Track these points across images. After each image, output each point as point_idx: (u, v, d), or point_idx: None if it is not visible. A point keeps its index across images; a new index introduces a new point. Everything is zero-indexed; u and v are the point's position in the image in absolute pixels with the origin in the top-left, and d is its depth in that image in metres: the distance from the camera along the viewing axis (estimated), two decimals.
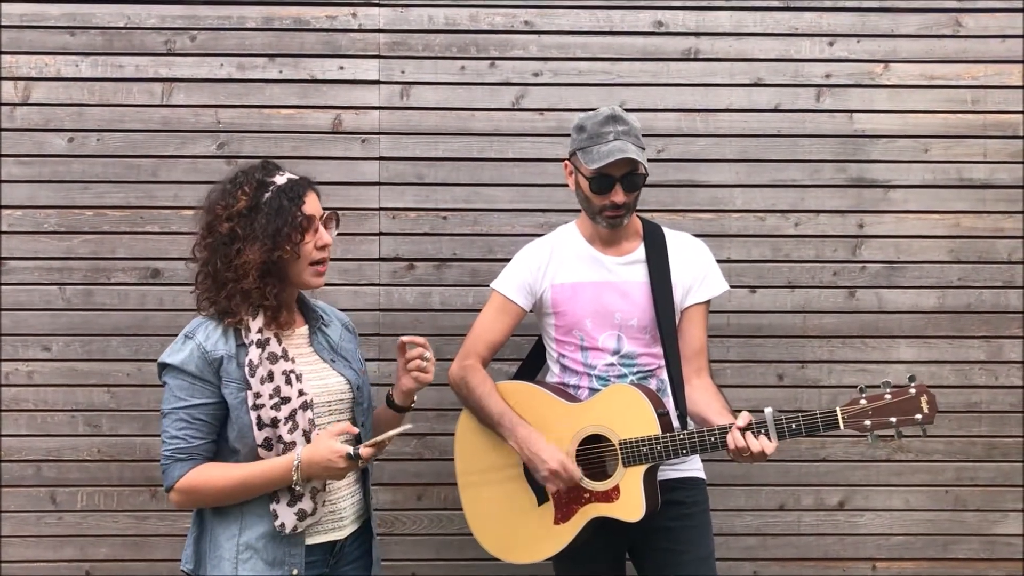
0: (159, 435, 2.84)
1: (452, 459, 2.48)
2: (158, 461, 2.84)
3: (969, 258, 2.98)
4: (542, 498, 2.32)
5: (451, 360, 2.46)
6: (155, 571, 2.92)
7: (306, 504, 1.90)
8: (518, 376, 2.60)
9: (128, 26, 2.94)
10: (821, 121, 2.98)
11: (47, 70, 2.93)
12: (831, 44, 2.99)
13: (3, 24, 2.92)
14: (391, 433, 1.87)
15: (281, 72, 2.95)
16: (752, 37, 2.98)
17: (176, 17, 2.94)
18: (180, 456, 1.89)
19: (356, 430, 1.92)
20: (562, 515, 2.29)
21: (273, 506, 1.89)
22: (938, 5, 2.99)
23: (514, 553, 2.37)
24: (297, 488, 1.87)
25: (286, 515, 1.89)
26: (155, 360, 2.83)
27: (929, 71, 2.99)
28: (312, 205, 1.95)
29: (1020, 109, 2.98)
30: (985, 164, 2.98)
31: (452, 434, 2.50)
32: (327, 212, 1.99)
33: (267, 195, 1.91)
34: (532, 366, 2.61)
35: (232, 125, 2.95)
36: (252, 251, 1.87)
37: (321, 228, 1.96)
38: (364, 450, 1.84)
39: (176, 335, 2.84)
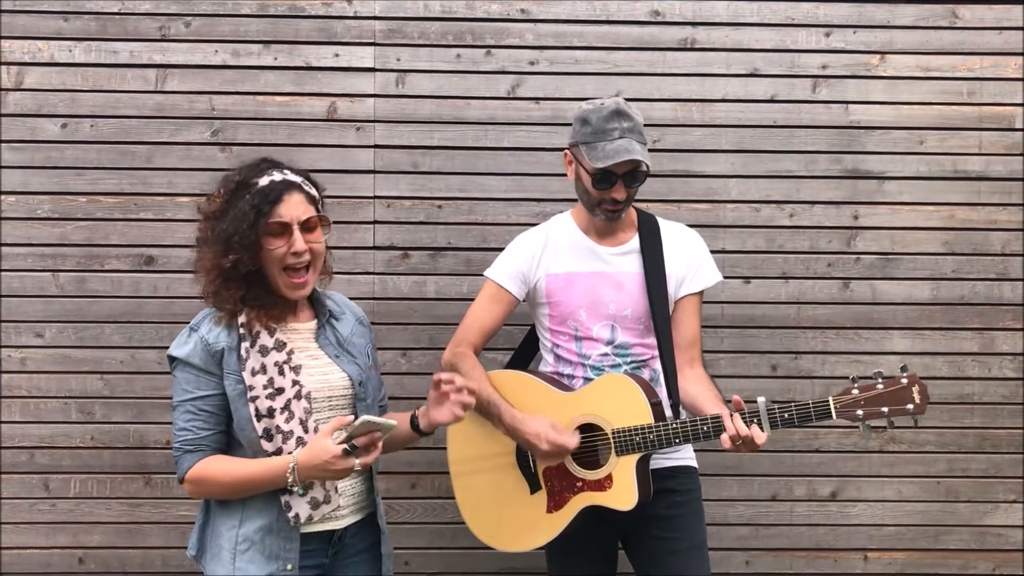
0: (152, 423, 2.92)
1: (445, 448, 2.48)
2: (151, 448, 2.93)
3: (963, 250, 2.99)
4: (535, 486, 2.32)
5: (444, 348, 2.45)
6: (148, 558, 2.93)
7: (318, 492, 1.90)
8: (511, 365, 2.59)
9: (122, 12, 2.92)
10: (817, 112, 2.98)
11: (40, 55, 2.92)
12: (827, 35, 2.98)
13: None
14: (366, 418, 1.76)
15: (276, 59, 2.94)
16: (748, 27, 2.98)
17: (170, 3, 2.92)
18: (188, 447, 1.89)
19: (349, 419, 1.82)
20: (555, 503, 2.29)
21: (285, 498, 1.88)
22: None
23: (507, 541, 2.37)
24: (295, 489, 1.85)
25: (299, 505, 1.88)
26: (148, 347, 2.93)
27: (925, 63, 2.99)
28: (289, 208, 1.86)
29: (1016, 101, 2.98)
30: (980, 156, 2.98)
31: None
32: (314, 216, 1.90)
33: (243, 198, 1.86)
34: (525, 355, 2.60)
35: (227, 112, 2.93)
36: (207, 255, 1.88)
37: (296, 233, 1.86)
38: (360, 441, 1.78)
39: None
